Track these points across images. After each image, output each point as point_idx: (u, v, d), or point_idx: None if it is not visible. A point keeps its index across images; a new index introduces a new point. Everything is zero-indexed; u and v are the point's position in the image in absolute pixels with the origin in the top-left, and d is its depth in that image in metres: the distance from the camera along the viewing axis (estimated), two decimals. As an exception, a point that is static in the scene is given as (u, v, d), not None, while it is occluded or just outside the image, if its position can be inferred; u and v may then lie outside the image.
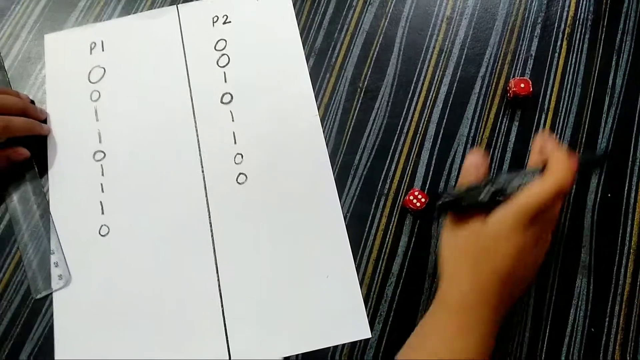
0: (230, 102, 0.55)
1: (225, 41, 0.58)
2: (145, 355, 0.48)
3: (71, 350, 0.48)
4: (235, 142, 0.54)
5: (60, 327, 0.49)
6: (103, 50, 0.58)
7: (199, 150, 0.54)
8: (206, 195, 0.52)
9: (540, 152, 0.44)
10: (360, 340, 0.47)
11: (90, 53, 0.58)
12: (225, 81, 0.56)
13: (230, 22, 0.59)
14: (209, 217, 0.51)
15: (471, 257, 0.40)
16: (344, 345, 0.47)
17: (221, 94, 0.56)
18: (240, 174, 0.53)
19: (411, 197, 0.50)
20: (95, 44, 0.59)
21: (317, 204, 0.51)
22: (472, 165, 0.43)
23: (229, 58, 0.57)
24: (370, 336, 0.47)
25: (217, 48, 0.58)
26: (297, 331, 0.48)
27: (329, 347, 0.47)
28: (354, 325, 0.48)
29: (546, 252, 0.42)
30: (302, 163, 0.53)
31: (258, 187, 0.52)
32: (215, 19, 0.59)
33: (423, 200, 0.50)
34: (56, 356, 0.48)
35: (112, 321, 0.49)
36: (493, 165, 0.52)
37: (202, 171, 0.53)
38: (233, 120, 0.55)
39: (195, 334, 0.48)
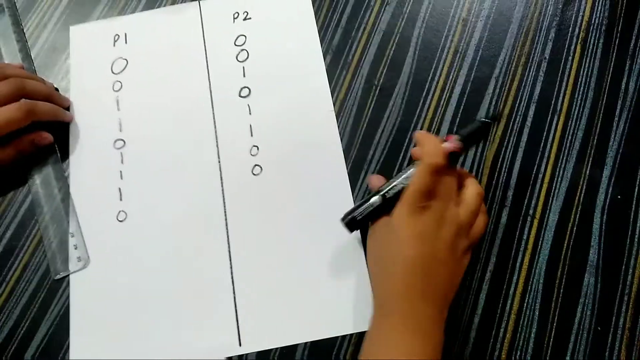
0: (248, 95, 0.57)
1: (245, 37, 0.59)
2: (156, 339, 0.49)
3: (86, 330, 0.49)
4: (251, 135, 0.55)
5: (76, 308, 0.50)
6: (126, 42, 0.60)
7: (216, 142, 0.55)
8: (222, 186, 0.53)
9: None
10: (369, 331, 0.48)
11: (114, 45, 0.60)
12: (244, 75, 0.58)
13: (250, 18, 0.60)
14: (224, 206, 0.53)
15: (385, 257, 0.43)
16: (351, 335, 0.48)
17: (239, 88, 0.57)
18: (255, 165, 0.54)
19: None
20: (118, 36, 0.60)
21: (329, 198, 0.52)
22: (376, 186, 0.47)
23: (248, 53, 0.59)
24: (379, 327, 0.48)
25: (237, 43, 0.59)
26: (307, 320, 0.48)
27: (337, 337, 0.48)
28: (362, 315, 0.48)
29: (459, 231, 0.43)
30: (317, 157, 0.54)
31: (272, 179, 0.53)
32: (235, 15, 0.61)
33: None
34: (71, 336, 0.49)
35: (126, 305, 0.50)
36: (504, 165, 0.52)
37: (219, 162, 0.54)
38: (250, 114, 0.56)
39: (207, 321, 0.49)
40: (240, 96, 0.57)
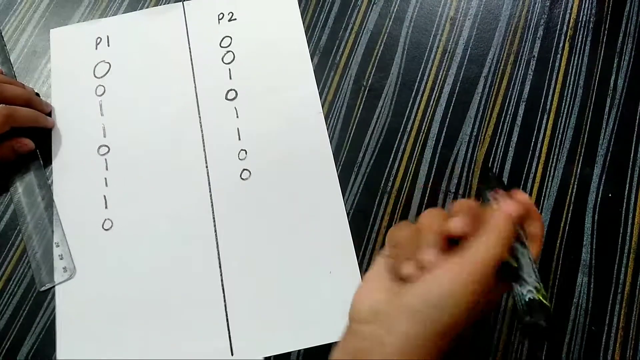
0: (234, 98, 0.56)
1: (231, 38, 0.58)
2: (147, 350, 0.48)
3: (73, 343, 0.48)
4: (239, 139, 0.54)
5: (63, 320, 0.49)
6: (109, 45, 0.59)
7: (203, 146, 0.54)
8: (210, 191, 0.52)
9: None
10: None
11: (96, 48, 0.59)
12: (230, 78, 0.57)
13: (235, 19, 0.59)
14: (213, 212, 0.52)
15: None
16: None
17: (226, 91, 0.56)
18: (244, 169, 0.53)
19: None
20: (100, 39, 0.59)
21: (320, 201, 0.52)
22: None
23: (234, 55, 0.58)
24: (372, 332, 0.47)
25: (222, 45, 0.58)
26: (300, 327, 0.48)
27: (331, 343, 0.47)
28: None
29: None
30: (306, 159, 0.53)
31: (262, 183, 0.52)
32: (220, 16, 0.59)
33: None
34: (57, 349, 0.48)
35: (115, 315, 0.49)
36: (495, 166, 0.52)
37: (206, 167, 0.53)
38: (237, 117, 0.55)
39: (198, 329, 0.48)
40: (226, 99, 0.56)
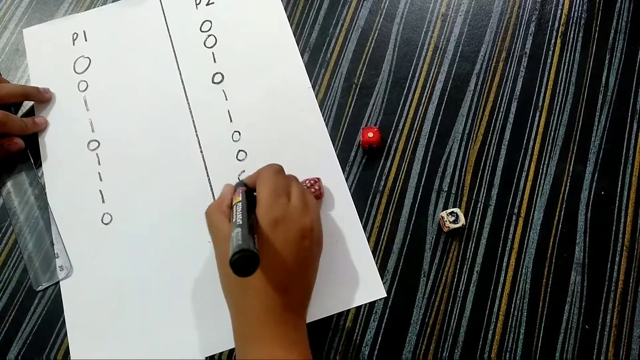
0: (221, 81, 0.55)
1: (211, 22, 0.58)
2: (151, 341, 0.47)
3: (83, 340, 0.48)
4: (231, 121, 0.54)
5: (71, 317, 0.48)
6: (86, 40, 0.58)
7: (196, 132, 0.53)
8: (208, 175, 0.52)
9: None
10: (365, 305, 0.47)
11: (73, 44, 0.58)
12: (215, 61, 0.56)
13: (213, 2, 0.59)
14: (213, 196, 0.51)
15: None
16: (348, 311, 0.47)
17: (212, 74, 0.56)
18: (239, 150, 0.53)
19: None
20: (77, 34, 0.58)
21: (319, 173, 0.51)
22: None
23: (215, 38, 0.57)
24: (385, 295, 0.48)
25: (202, 29, 0.58)
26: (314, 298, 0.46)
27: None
28: (368, 286, 0.48)
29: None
30: (300, 134, 0.53)
31: (259, 162, 0.51)
32: (197, 0, 0.59)
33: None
34: (71, 348, 0.47)
35: (118, 308, 0.48)
36: (488, 163, 0.52)
37: (201, 152, 0.53)
38: (227, 99, 0.55)
39: (201, 318, 0.48)
40: (213, 82, 0.55)
